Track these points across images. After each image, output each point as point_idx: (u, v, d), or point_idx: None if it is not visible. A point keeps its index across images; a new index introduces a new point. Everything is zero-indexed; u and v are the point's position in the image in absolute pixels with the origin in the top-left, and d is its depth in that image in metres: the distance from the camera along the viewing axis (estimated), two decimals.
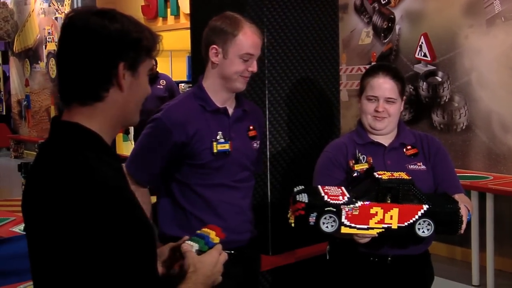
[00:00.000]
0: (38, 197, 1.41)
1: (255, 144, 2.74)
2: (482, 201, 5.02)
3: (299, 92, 3.60)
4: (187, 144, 2.55)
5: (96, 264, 1.33)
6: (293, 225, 2.38)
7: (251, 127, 2.72)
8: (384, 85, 2.66)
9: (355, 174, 2.63)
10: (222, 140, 2.58)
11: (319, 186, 2.46)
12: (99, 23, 1.45)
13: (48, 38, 12.94)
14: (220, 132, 2.59)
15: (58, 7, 12.57)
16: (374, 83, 2.68)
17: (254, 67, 2.59)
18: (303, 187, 2.44)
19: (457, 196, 2.49)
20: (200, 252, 1.62)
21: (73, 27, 1.47)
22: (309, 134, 3.66)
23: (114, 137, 1.56)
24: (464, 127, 5.76)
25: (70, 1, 12.17)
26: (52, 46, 12.84)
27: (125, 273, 1.35)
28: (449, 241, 5.54)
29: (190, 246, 1.62)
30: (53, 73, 12.85)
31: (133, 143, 9.43)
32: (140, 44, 1.50)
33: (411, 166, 2.67)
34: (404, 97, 2.73)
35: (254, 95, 3.45)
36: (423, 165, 2.69)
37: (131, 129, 9.19)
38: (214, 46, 2.56)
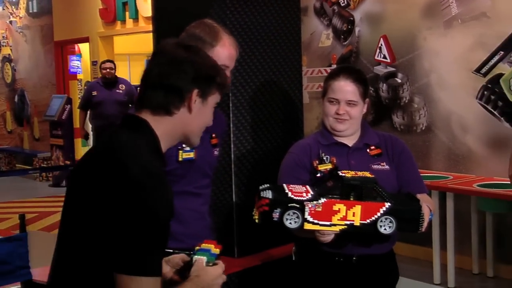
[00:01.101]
0: (98, 171, 1.66)
1: (216, 152, 2.76)
2: (442, 201, 5.10)
3: (262, 95, 3.62)
4: None
5: (124, 230, 1.57)
6: (257, 221, 2.41)
7: (213, 135, 2.72)
8: (345, 88, 2.69)
9: (319, 174, 2.66)
10: (188, 149, 2.57)
11: (284, 184, 2.49)
12: (185, 54, 1.78)
13: (3, 42, 12.75)
14: None
15: (13, 10, 12.39)
16: (335, 86, 2.71)
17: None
18: (268, 185, 2.47)
19: (419, 196, 2.54)
20: (207, 263, 1.79)
21: (163, 54, 1.80)
22: (273, 136, 3.68)
23: (169, 147, 1.83)
24: (424, 128, 5.85)
25: (25, 4, 12.01)
26: (7, 50, 12.65)
27: (143, 247, 1.57)
28: (411, 240, 5.62)
29: (201, 258, 1.80)
30: (9, 78, 12.65)
31: None
32: (214, 79, 1.81)
33: (375, 166, 2.70)
34: (367, 99, 2.77)
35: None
36: (386, 165, 2.72)
37: (91, 134, 9.12)
38: None
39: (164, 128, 1.77)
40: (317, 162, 2.69)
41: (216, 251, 1.84)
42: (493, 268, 5.34)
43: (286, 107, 3.75)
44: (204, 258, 1.79)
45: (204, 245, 1.86)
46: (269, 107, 3.66)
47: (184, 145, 2.57)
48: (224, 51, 2.54)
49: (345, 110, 2.69)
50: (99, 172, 1.65)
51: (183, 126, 1.79)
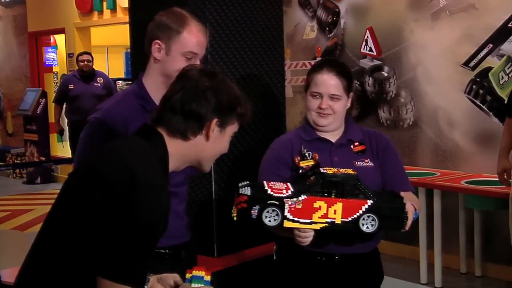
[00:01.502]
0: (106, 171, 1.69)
1: None
2: (429, 198, 5.12)
3: (243, 88, 3.61)
4: None
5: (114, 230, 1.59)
6: (235, 218, 2.42)
7: None
8: (328, 82, 2.70)
9: (301, 171, 2.66)
10: None
11: (264, 181, 2.50)
12: (209, 83, 1.83)
13: None
14: None
15: None
16: (318, 80, 2.71)
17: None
18: (248, 182, 2.47)
19: (403, 194, 2.54)
20: None
21: (188, 79, 1.86)
22: (254, 131, 3.69)
23: (177, 170, 1.89)
24: (410, 123, 5.87)
25: None
26: None
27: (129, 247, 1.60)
28: (397, 239, 5.64)
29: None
30: None
31: (68, 144, 9.30)
32: (235, 109, 1.87)
33: (359, 163, 2.71)
34: (351, 93, 2.77)
35: None
36: (370, 162, 2.73)
37: (66, 130, 9.07)
38: (158, 41, 2.54)
39: (177, 149, 1.83)
40: (298, 158, 2.70)
41: (208, 277, 1.91)
42: (481, 267, 5.37)
43: (267, 101, 3.75)
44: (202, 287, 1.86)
45: (196, 272, 1.91)
46: (250, 101, 3.65)
47: None
48: (191, 38, 2.53)
49: (328, 105, 2.69)
50: (103, 174, 1.67)
51: (197, 152, 1.85)
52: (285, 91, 3.89)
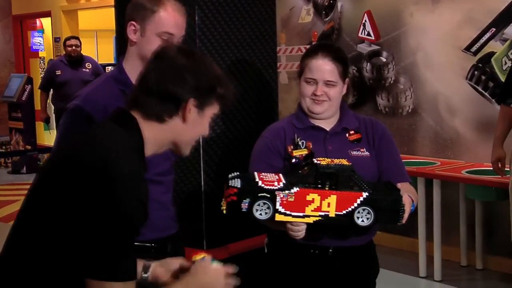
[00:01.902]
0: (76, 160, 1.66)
1: None
2: (429, 188, 5.13)
3: (234, 74, 3.61)
4: None
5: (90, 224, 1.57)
6: (225, 212, 2.40)
7: None
8: (323, 67, 2.68)
9: (294, 161, 2.65)
10: None
11: (255, 173, 2.48)
12: (186, 62, 1.80)
13: None
14: None
15: None
16: (312, 65, 2.70)
17: None
18: (238, 173, 2.45)
19: (400, 185, 2.53)
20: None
21: (164, 59, 1.82)
22: (245, 119, 3.67)
23: (156, 154, 1.86)
24: (410, 111, 5.86)
25: None
26: None
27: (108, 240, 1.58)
28: (395, 231, 5.65)
29: (209, 256, 1.88)
30: None
31: (55, 132, 9.28)
32: (214, 90, 1.83)
33: (354, 152, 2.70)
34: (347, 80, 2.76)
35: None
36: (366, 151, 2.72)
37: (52, 117, 9.03)
38: (133, 22, 2.52)
39: (154, 133, 1.80)
40: (291, 147, 2.68)
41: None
42: (482, 260, 5.39)
43: (259, 87, 3.74)
44: (211, 257, 1.86)
45: (200, 255, 1.90)
46: (241, 87, 3.65)
47: None
48: (167, 17, 2.50)
49: (323, 91, 2.68)
50: (77, 164, 1.64)
51: (174, 135, 1.82)
52: (280, 77, 3.87)
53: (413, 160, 5.48)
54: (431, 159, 5.60)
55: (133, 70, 2.54)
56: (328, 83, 2.68)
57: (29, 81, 10.12)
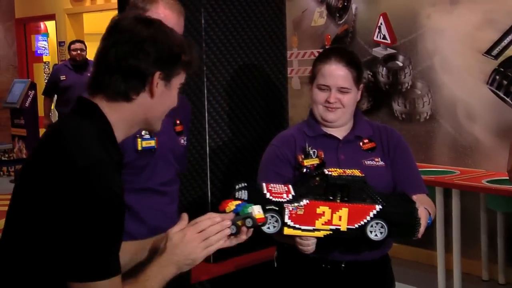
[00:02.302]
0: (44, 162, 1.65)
1: (182, 140, 2.77)
2: (447, 198, 5.10)
3: (241, 80, 3.60)
4: None
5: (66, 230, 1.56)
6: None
7: (177, 122, 2.73)
8: (336, 73, 2.66)
9: (305, 170, 2.64)
10: (148, 136, 2.58)
11: (264, 184, 2.46)
12: (145, 32, 1.74)
13: None
14: None
15: None
16: (325, 71, 2.68)
17: None
18: (245, 184, 2.44)
19: (416, 197, 2.50)
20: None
21: (121, 31, 1.75)
22: (254, 127, 3.67)
23: (129, 135, 1.82)
24: (427, 117, 5.84)
25: None
26: None
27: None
28: (412, 243, 5.61)
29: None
30: None
31: None
32: (178, 59, 1.78)
33: (368, 162, 2.69)
34: (361, 85, 2.74)
35: (190, 83, 3.43)
36: (381, 160, 2.70)
37: None
38: None
39: (122, 115, 1.76)
40: (302, 156, 2.67)
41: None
42: (504, 274, 5.35)
43: (268, 94, 3.73)
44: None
45: (233, 203, 1.96)
46: (249, 94, 3.64)
47: (143, 133, 2.57)
48: (156, 14, 2.53)
49: (336, 98, 2.66)
50: (44, 163, 1.64)
51: (144, 112, 1.78)
52: (292, 83, 3.86)
53: (431, 169, 5.45)
54: (449, 167, 5.57)
55: None
56: (342, 89, 2.66)
57: (33, 86, 10.16)
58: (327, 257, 2.65)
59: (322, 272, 2.67)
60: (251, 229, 1.97)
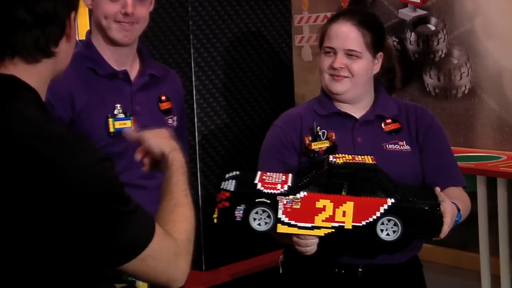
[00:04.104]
0: None
1: (170, 120, 2.78)
2: (492, 189, 5.08)
3: (236, 51, 3.64)
4: (75, 122, 2.57)
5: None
6: (215, 220, 2.42)
7: (163, 98, 2.75)
8: (343, 33, 2.67)
9: (312, 155, 2.67)
10: (122, 116, 2.61)
11: (259, 172, 2.50)
12: None
13: None
14: (118, 105, 2.62)
15: None
16: (331, 31, 2.70)
17: (127, 7, 2.61)
18: (237, 172, 2.47)
19: (449, 190, 2.54)
20: None
21: None
22: (253, 107, 3.70)
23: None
24: (466, 92, 5.82)
25: None
26: None
27: None
28: (450, 244, 5.62)
29: None
30: None
31: None
32: None
33: (390, 146, 2.71)
34: (381, 53, 2.75)
35: (175, 56, 3.45)
36: (407, 144, 2.72)
37: None
38: None
39: (45, 73, 1.75)
40: (310, 138, 2.69)
41: None
42: None
43: (269, 67, 3.75)
44: None
45: None
46: (246, 68, 3.67)
47: (116, 111, 2.61)
48: None
49: (343, 63, 2.66)
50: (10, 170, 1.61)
51: (64, 61, 1.80)
52: (302, 53, 3.88)
53: (471, 154, 5.43)
54: (494, 152, 5.55)
55: (99, 44, 2.65)
56: (350, 53, 2.67)
57: None
58: (341, 260, 2.67)
59: (336, 279, 2.70)
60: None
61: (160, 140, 2.01)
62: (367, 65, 2.71)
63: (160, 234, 1.71)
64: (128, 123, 2.62)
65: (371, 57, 2.72)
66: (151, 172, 2.07)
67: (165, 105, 2.77)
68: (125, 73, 2.67)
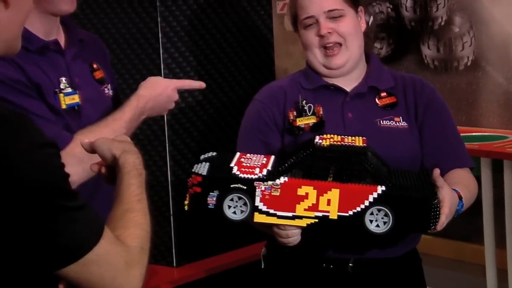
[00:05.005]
0: None
1: (106, 90, 2.81)
2: (497, 173, 5.10)
3: (209, 19, 3.64)
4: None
5: None
6: (186, 208, 2.43)
7: (94, 66, 2.77)
8: None
9: (298, 133, 2.67)
10: (69, 90, 2.62)
11: (238, 153, 2.50)
12: None
13: None
14: (63, 78, 2.62)
15: None
16: (303, 0, 2.70)
17: None
18: (214, 153, 2.46)
19: (453, 173, 2.56)
20: None
21: None
22: (229, 83, 3.72)
23: None
24: (469, 64, 5.84)
25: None
26: None
27: None
28: (453, 235, 5.64)
29: None
30: None
31: None
32: None
33: (385, 122, 2.71)
34: (361, 7, 2.76)
35: (140, 25, 3.45)
36: (403, 120, 2.72)
37: None
38: None
39: None
40: (294, 113, 2.69)
41: None
42: None
43: (247, 37, 3.76)
44: None
45: None
46: (221, 38, 3.67)
47: (62, 85, 2.61)
48: None
49: (329, 28, 2.67)
50: None
51: (6, 33, 1.75)
52: (285, 22, 3.87)
53: (474, 133, 5.45)
54: (500, 131, 5.57)
55: (34, 20, 2.55)
56: (332, 14, 2.68)
57: None
58: (330, 255, 2.68)
59: (324, 274, 2.70)
60: None
61: (110, 143, 1.97)
62: (354, 22, 2.74)
63: (109, 239, 1.69)
64: (76, 98, 2.63)
65: (354, 12, 2.74)
66: (110, 185, 2.01)
67: (98, 74, 2.79)
68: (56, 43, 2.66)
